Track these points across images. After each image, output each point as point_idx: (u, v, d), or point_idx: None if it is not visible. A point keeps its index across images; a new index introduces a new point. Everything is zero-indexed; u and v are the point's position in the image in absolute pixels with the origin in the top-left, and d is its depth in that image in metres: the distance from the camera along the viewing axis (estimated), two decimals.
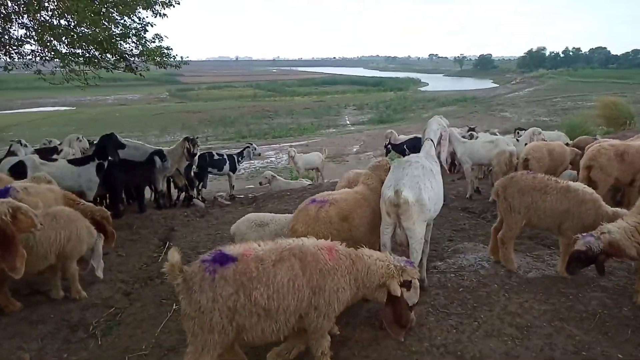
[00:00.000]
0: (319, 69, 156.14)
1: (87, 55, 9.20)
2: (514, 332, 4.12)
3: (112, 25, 9.25)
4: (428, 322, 4.29)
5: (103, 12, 9.02)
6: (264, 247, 3.36)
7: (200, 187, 11.50)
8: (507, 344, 3.95)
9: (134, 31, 9.51)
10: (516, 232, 5.25)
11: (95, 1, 8.80)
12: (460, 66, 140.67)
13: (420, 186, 4.13)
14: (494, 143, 8.79)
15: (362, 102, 54.57)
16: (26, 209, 4.23)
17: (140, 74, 10.30)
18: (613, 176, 6.84)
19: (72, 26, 8.76)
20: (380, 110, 46.91)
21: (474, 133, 11.46)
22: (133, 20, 9.88)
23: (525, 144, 8.80)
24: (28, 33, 9.31)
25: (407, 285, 3.57)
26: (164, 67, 10.66)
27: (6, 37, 9.45)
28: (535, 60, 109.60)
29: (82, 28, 8.87)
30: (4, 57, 9.62)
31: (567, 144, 9.56)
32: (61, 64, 8.91)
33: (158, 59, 10.10)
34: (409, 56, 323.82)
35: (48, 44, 8.68)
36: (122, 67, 9.87)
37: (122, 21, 9.76)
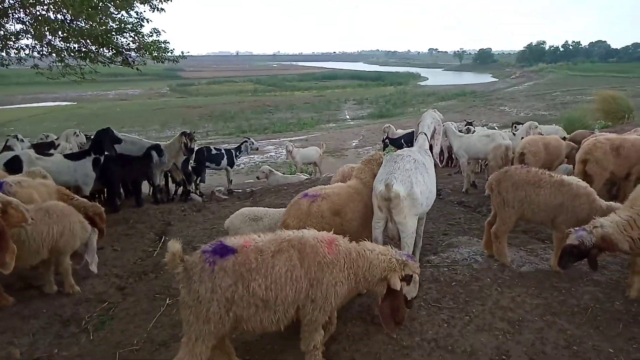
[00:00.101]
0: (319, 63, 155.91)
1: (84, 49, 9.15)
2: (506, 326, 4.11)
3: (109, 20, 9.20)
4: (420, 316, 4.28)
5: (100, 6, 8.99)
6: (264, 238, 3.38)
7: (198, 182, 11.49)
8: (498, 338, 3.94)
9: (130, 26, 9.46)
10: (510, 226, 5.23)
11: None
12: (460, 60, 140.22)
13: (412, 180, 4.11)
14: (490, 137, 8.78)
15: (362, 96, 54.43)
16: (17, 203, 4.20)
17: (137, 69, 10.25)
18: (609, 170, 6.83)
19: (67, 20, 8.71)
20: (380, 104, 46.80)
21: (471, 127, 11.43)
22: (130, 14, 9.84)
23: (522, 138, 8.78)
24: (25, 28, 9.28)
25: (407, 279, 3.56)
26: (162, 62, 10.64)
27: (2, 32, 9.42)
28: (534, 54, 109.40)
29: (78, 22, 8.83)
30: (1, 53, 9.61)
31: (564, 138, 9.55)
32: (57, 59, 8.88)
33: (155, 53, 10.08)
34: (408, 50, 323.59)
35: (43, 38, 8.63)
36: (119, 62, 9.83)
37: (118, 16, 9.73)
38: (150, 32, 10.17)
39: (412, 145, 5.28)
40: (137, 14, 9.95)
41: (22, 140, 9.00)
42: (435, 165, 5.26)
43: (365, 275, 3.49)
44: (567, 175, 6.39)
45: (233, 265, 3.15)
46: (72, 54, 9.25)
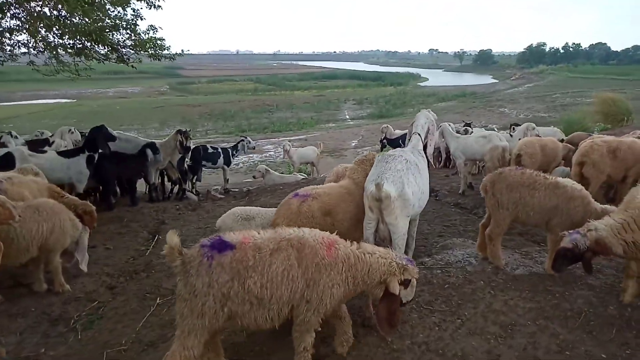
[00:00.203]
0: (319, 63, 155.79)
1: (78, 46, 9.10)
2: (498, 330, 4.05)
3: (104, 17, 9.15)
4: (411, 319, 4.23)
5: (96, 3, 8.94)
6: (263, 236, 3.36)
7: (194, 181, 11.44)
8: (489, 342, 3.89)
9: (123, 23, 9.41)
10: (504, 228, 5.18)
11: None
12: (460, 61, 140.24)
13: (404, 181, 4.05)
14: (487, 138, 8.73)
15: (362, 96, 54.40)
16: (3, 200, 4.17)
17: (133, 66, 10.20)
18: (605, 173, 6.78)
19: (62, 16, 8.66)
20: (379, 105, 46.78)
21: (469, 128, 11.39)
22: (126, 11, 9.80)
23: (519, 140, 8.73)
24: (20, 24, 9.23)
25: (406, 284, 3.52)
26: (159, 59, 10.59)
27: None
28: (535, 56, 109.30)
29: (73, 18, 8.78)
30: None
31: (562, 140, 9.50)
32: (50, 55, 8.83)
33: (151, 50, 10.03)
34: (409, 51, 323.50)
35: (37, 34, 8.58)
36: (114, 59, 9.78)
37: (114, 12, 9.68)
38: (147, 29, 10.14)
39: None
40: (133, 11, 9.93)
41: (15, 137, 8.95)
42: (430, 165, 5.21)
43: (364, 278, 3.45)
44: (565, 178, 6.37)
45: (230, 261, 3.15)
46: (67, 51, 9.19)
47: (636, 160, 6.84)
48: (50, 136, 9.79)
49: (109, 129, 8.52)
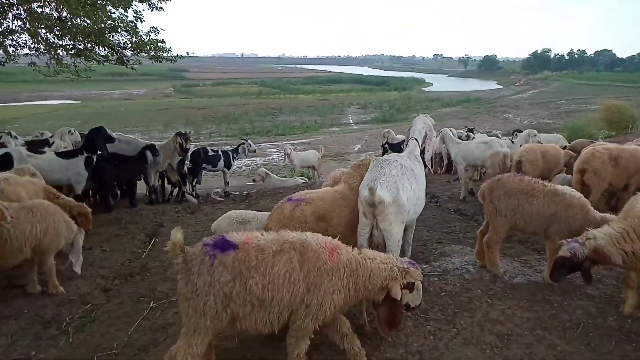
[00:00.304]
0: (324, 67, 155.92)
1: (78, 46, 9.11)
2: (494, 340, 3.99)
3: (104, 17, 9.15)
4: (405, 327, 4.16)
5: (98, 4, 8.94)
6: (267, 237, 3.36)
7: (194, 183, 11.40)
8: (485, 352, 3.83)
9: (122, 25, 9.40)
10: (502, 235, 5.12)
11: None
12: (465, 67, 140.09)
13: (398, 186, 3.99)
14: (488, 144, 8.67)
15: (366, 101, 54.36)
16: None
17: (133, 68, 10.19)
18: (607, 180, 6.70)
19: (63, 17, 8.66)
20: (383, 109, 46.70)
21: (470, 134, 11.32)
22: (127, 13, 9.80)
23: (521, 146, 8.66)
24: (22, 25, 9.25)
25: (410, 287, 3.47)
26: (159, 61, 10.59)
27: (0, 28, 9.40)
28: (540, 62, 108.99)
29: (74, 20, 8.78)
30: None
31: (564, 147, 9.43)
32: (50, 56, 8.84)
33: (152, 52, 10.03)
34: (413, 56, 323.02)
35: (37, 35, 8.59)
36: (114, 60, 9.78)
37: (116, 14, 9.69)
38: (149, 31, 10.13)
39: None
40: (135, 13, 9.92)
41: (15, 138, 8.94)
42: (428, 171, 5.15)
43: (365, 284, 3.41)
44: (566, 185, 6.29)
45: (233, 261, 3.14)
46: (68, 52, 9.20)
47: (638, 168, 6.76)
48: (50, 137, 9.79)
49: (108, 130, 8.50)
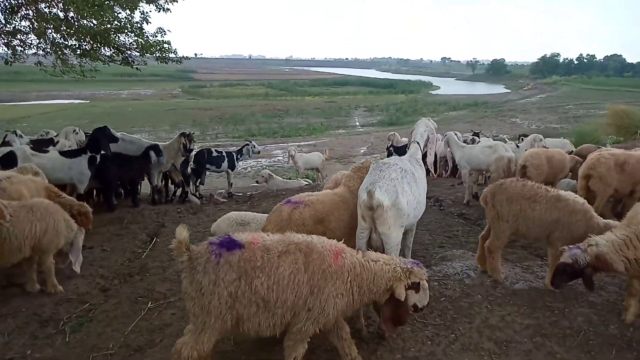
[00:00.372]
0: (331, 69, 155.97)
1: (84, 47, 9.15)
2: (492, 346, 3.94)
3: (111, 19, 9.19)
4: (403, 332, 4.12)
5: (105, 4, 8.97)
6: (272, 238, 3.36)
7: (198, 184, 11.41)
8: (483, 359, 3.78)
9: (129, 26, 9.44)
10: (504, 241, 5.06)
11: None
12: (473, 70, 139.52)
13: (398, 190, 3.94)
14: (493, 148, 8.60)
15: (373, 103, 54.27)
16: None
17: (137, 68, 10.22)
18: (612, 186, 6.62)
19: (70, 17, 8.71)
20: (390, 112, 46.60)
21: (476, 138, 11.24)
22: (134, 14, 9.83)
23: (526, 151, 8.58)
24: (31, 25, 9.31)
25: (415, 287, 3.44)
26: (165, 62, 10.63)
27: (9, 28, 9.46)
28: (548, 66, 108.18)
29: (83, 20, 8.82)
30: (5, 49, 9.63)
31: (570, 152, 9.34)
32: (56, 56, 8.88)
33: (158, 53, 10.06)
34: (421, 59, 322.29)
35: (44, 35, 8.63)
36: (119, 61, 9.81)
37: (123, 14, 9.73)
38: (155, 32, 10.16)
39: None
40: (142, 14, 9.96)
41: (20, 136, 8.99)
42: (431, 174, 5.11)
43: (369, 287, 3.39)
44: (571, 190, 6.21)
45: (239, 260, 3.13)
46: (75, 53, 9.25)
47: None
48: (55, 136, 9.83)
49: (111, 130, 8.52)
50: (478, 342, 4.00)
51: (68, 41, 8.97)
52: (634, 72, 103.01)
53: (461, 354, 3.84)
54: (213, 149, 11.85)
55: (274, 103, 53.81)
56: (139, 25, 9.56)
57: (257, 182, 12.26)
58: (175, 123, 36.96)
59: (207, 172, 11.74)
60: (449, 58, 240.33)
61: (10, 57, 9.68)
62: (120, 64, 10.08)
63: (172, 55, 10.20)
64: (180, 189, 10.48)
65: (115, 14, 9.28)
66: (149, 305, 5.03)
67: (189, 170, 10.84)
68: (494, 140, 12.00)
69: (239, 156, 12.04)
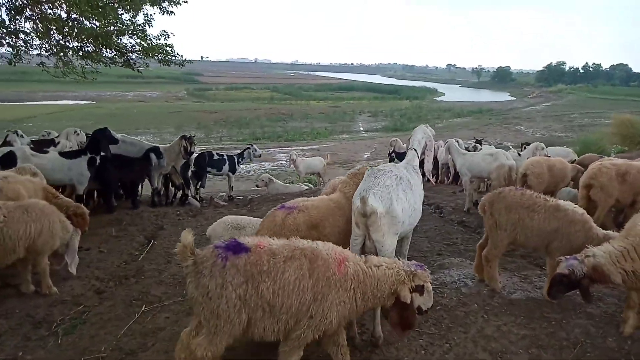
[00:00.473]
0: (336, 74, 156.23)
1: (86, 48, 9.18)
2: (487, 357, 3.89)
3: (115, 20, 9.23)
4: (396, 341, 4.07)
5: (110, 5, 9.01)
6: (278, 242, 3.33)
7: (198, 187, 11.41)
8: None
9: (132, 28, 9.47)
10: (501, 250, 5.01)
11: None
12: (478, 78, 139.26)
13: (392, 197, 3.90)
14: (494, 156, 8.56)
15: (377, 109, 54.24)
16: None
17: (139, 70, 10.25)
18: (614, 197, 6.54)
19: (73, 19, 8.75)
20: (394, 118, 46.54)
21: (478, 145, 11.19)
22: (137, 17, 9.87)
23: (527, 159, 8.53)
24: (34, 26, 9.36)
25: (419, 290, 3.41)
26: (168, 65, 10.66)
27: (13, 28, 9.51)
28: (554, 74, 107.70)
29: (84, 21, 8.86)
30: (10, 49, 9.68)
31: (573, 161, 9.27)
32: (57, 57, 8.92)
33: (161, 56, 10.09)
34: (426, 65, 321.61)
35: (48, 36, 8.68)
36: (120, 63, 9.84)
37: (128, 16, 9.77)
38: (159, 35, 10.19)
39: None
40: (146, 16, 9.99)
41: (21, 136, 9.02)
42: (429, 181, 5.06)
43: (373, 292, 3.36)
44: (572, 200, 6.16)
45: (245, 263, 3.10)
46: (78, 54, 9.28)
47: None
48: (56, 137, 9.86)
49: (112, 131, 8.54)
50: (473, 352, 3.95)
51: (71, 43, 9.00)
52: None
53: None
54: (214, 152, 11.85)
55: (279, 107, 53.83)
56: (141, 27, 9.58)
57: (256, 186, 12.25)
58: (180, 125, 37.03)
59: (209, 175, 11.75)
60: (454, 65, 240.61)
61: (14, 57, 9.72)
62: (122, 66, 10.10)
63: (174, 57, 10.20)
64: (181, 191, 10.49)
65: (119, 15, 9.31)
66: (143, 309, 5.00)
67: (190, 173, 10.84)
68: (498, 147, 11.95)
69: (240, 159, 12.05)
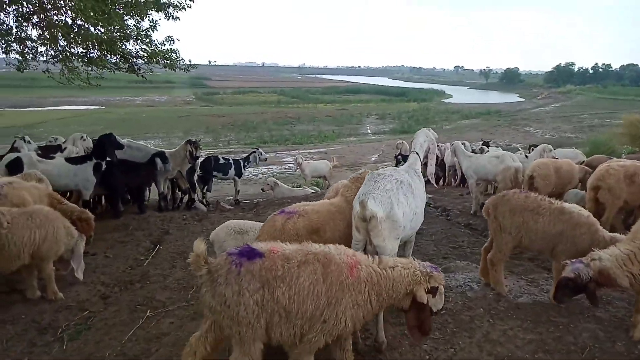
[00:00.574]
0: (344, 77, 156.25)
1: (90, 54, 9.26)
2: None
3: (119, 27, 9.30)
4: (401, 346, 4.05)
5: (115, 11, 9.08)
6: (291, 247, 3.32)
7: (205, 191, 11.43)
8: None
9: (136, 33, 9.53)
10: (506, 253, 4.95)
11: (107, 1, 8.85)
12: (486, 79, 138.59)
13: (392, 201, 3.86)
14: (500, 158, 8.49)
15: (385, 111, 54.21)
16: None
17: (143, 76, 10.31)
18: (622, 198, 6.46)
19: (78, 24, 8.83)
20: (402, 120, 46.49)
21: (485, 147, 11.12)
22: (143, 22, 9.93)
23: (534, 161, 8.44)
24: (41, 33, 9.45)
25: (433, 291, 3.39)
26: (173, 69, 10.71)
27: (22, 34, 9.62)
28: (563, 75, 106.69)
29: (89, 26, 8.93)
30: (17, 56, 9.78)
31: (581, 163, 9.18)
32: (62, 63, 9.00)
33: (167, 61, 10.14)
34: (434, 67, 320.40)
35: (56, 43, 8.77)
36: (125, 68, 9.90)
37: (132, 22, 9.84)
38: (163, 41, 10.25)
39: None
40: (151, 22, 10.05)
41: (29, 142, 9.10)
42: (431, 184, 5.02)
43: (389, 293, 3.35)
44: (580, 202, 6.07)
45: (260, 269, 3.09)
46: (84, 60, 9.37)
47: None
48: (63, 142, 9.94)
49: (117, 137, 8.59)
50: (478, 357, 3.90)
51: (76, 49, 9.08)
52: None
53: None
54: (220, 156, 11.88)
55: (286, 110, 54.02)
56: (145, 33, 9.64)
57: (262, 189, 12.25)
58: (189, 130, 37.25)
59: (215, 179, 11.78)
60: (462, 66, 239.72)
61: (21, 64, 9.82)
62: (126, 72, 10.17)
63: (179, 63, 10.26)
64: (187, 195, 10.52)
65: (124, 21, 9.37)
66: (147, 314, 5.01)
67: (196, 177, 10.86)
68: (506, 149, 11.85)
69: (245, 163, 12.05)
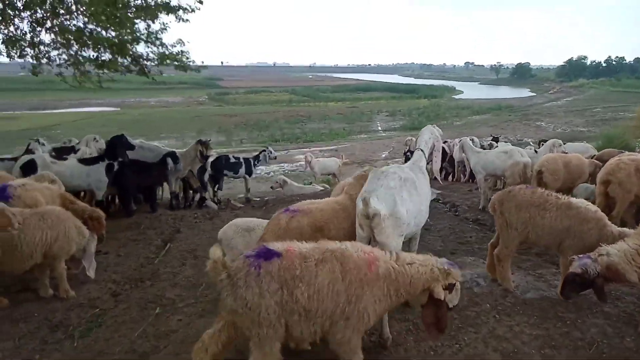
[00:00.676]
0: (354, 75, 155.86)
1: (102, 58, 9.39)
2: (498, 358, 3.83)
3: (130, 30, 9.41)
4: (406, 342, 4.05)
5: (128, 16, 9.19)
6: (307, 246, 3.33)
7: (216, 189, 11.56)
8: None
9: (145, 36, 9.64)
10: (513, 249, 4.93)
11: (119, 4, 8.96)
12: (497, 74, 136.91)
13: (396, 198, 3.87)
14: (508, 154, 8.44)
15: (395, 108, 54.06)
16: (2, 207, 4.24)
17: (153, 78, 10.44)
18: (633, 193, 6.37)
19: (90, 29, 8.96)
20: (412, 117, 46.32)
21: (494, 143, 11.05)
22: (153, 25, 10.04)
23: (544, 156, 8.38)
24: (55, 37, 9.60)
25: (450, 287, 3.40)
26: (184, 70, 10.82)
27: (36, 39, 9.78)
28: (575, 69, 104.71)
29: (101, 31, 9.06)
30: (31, 60, 9.95)
31: (592, 157, 9.08)
32: (74, 68, 9.14)
33: (177, 63, 10.24)
34: (444, 64, 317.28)
35: (69, 47, 8.91)
36: (135, 71, 10.03)
37: (143, 25, 9.96)
38: (174, 43, 10.35)
39: None
40: (162, 25, 10.16)
41: (43, 144, 9.29)
42: (437, 181, 5.02)
43: (406, 289, 3.36)
44: (589, 196, 6.01)
45: (278, 269, 3.09)
46: (96, 64, 9.50)
47: None
48: (77, 144, 10.11)
49: (128, 138, 8.73)
50: (483, 353, 3.89)
51: (87, 52, 9.23)
52: None
53: None
54: (230, 155, 12.00)
55: (297, 109, 54.16)
56: (155, 35, 9.75)
57: (271, 187, 12.35)
58: (202, 129, 37.50)
59: (226, 178, 11.90)
60: (473, 62, 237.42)
61: (35, 68, 9.99)
62: (137, 74, 10.30)
63: (189, 64, 10.37)
64: (198, 194, 10.64)
65: (135, 25, 9.49)
66: (156, 311, 5.08)
67: (207, 176, 10.98)
68: (517, 144, 11.76)
69: (256, 162, 12.17)
